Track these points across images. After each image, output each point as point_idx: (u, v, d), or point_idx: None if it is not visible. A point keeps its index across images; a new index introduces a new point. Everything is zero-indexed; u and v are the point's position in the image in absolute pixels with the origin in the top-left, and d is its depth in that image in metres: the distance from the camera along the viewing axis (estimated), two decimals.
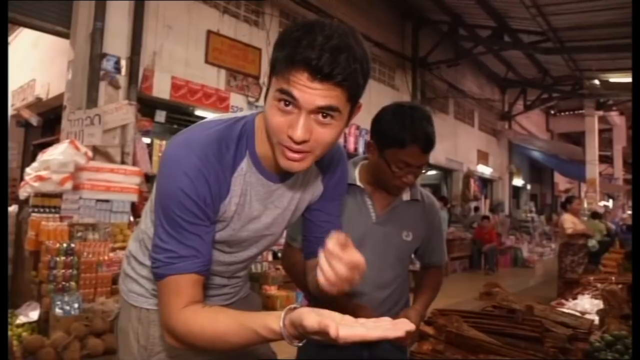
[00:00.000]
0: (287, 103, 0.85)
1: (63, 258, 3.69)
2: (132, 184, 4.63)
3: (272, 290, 5.46)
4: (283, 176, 1.04)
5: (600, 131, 15.40)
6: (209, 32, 6.23)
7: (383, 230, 1.54)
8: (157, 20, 5.67)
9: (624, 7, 7.43)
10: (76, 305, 3.47)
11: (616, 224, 12.66)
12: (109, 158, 4.99)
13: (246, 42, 6.68)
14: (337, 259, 0.81)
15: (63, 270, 3.67)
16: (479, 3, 8.39)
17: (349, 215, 1.49)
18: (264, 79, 6.81)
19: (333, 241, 0.82)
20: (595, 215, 10.56)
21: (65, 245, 3.73)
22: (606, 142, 17.73)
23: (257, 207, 1.04)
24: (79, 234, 4.02)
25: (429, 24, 9.99)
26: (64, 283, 3.64)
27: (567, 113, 17.57)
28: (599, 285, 3.33)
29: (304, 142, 0.87)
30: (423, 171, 1.50)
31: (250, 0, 6.80)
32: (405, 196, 1.59)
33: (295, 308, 0.75)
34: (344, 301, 1.33)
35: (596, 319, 2.31)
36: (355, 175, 1.57)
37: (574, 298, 3.42)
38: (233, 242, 1.08)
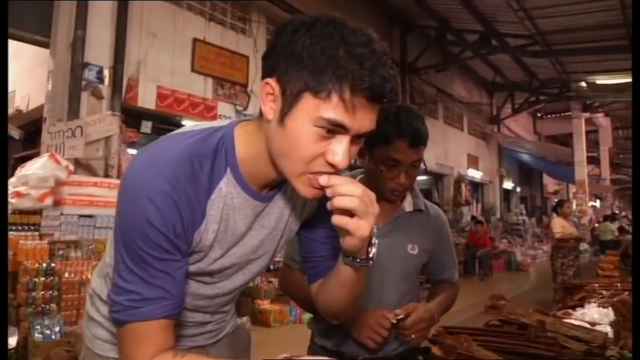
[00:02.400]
0: (333, 130, 0.74)
1: (43, 279, 3.50)
2: (116, 197, 4.45)
3: (265, 304, 5.29)
4: (270, 192, 0.91)
5: (587, 133, 15.52)
6: (195, 40, 6.11)
7: (386, 243, 1.40)
8: (141, 29, 5.53)
9: (611, 9, 7.48)
10: (57, 329, 3.29)
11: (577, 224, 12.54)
12: (92, 171, 4.82)
13: (233, 50, 6.56)
14: None
15: (43, 292, 3.48)
16: (466, 8, 8.38)
17: None
18: (252, 86, 6.69)
19: None
20: (607, 217, 10.66)
21: (45, 265, 3.54)
22: (592, 143, 17.90)
23: (241, 230, 0.90)
24: (60, 252, 3.84)
25: (416, 29, 9.96)
26: (43, 306, 3.44)
27: (553, 115, 17.76)
28: (604, 292, 3.23)
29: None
30: (419, 172, 1.38)
31: (237, 5, 6.68)
32: (408, 206, 1.48)
33: None
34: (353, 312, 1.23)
35: (608, 329, 2.20)
36: None
37: (578, 305, 3.32)
38: (215, 272, 0.93)
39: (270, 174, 0.84)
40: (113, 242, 0.85)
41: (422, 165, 1.37)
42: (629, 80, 11.13)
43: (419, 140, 1.31)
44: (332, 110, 0.71)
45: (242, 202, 0.86)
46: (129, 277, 0.77)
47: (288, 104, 0.74)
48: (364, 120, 0.74)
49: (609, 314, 2.81)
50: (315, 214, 1.02)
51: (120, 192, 0.79)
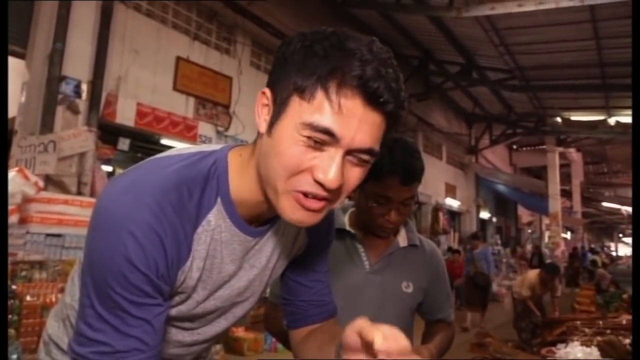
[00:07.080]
0: (320, 139, 0.63)
1: None
2: (88, 216, 4.17)
3: (240, 332, 5.09)
4: (262, 227, 0.81)
5: (559, 166, 15.94)
6: (178, 59, 6.01)
7: (379, 281, 1.34)
8: (124, 44, 5.41)
9: (588, 49, 7.74)
10: (14, 357, 3.05)
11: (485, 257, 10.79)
12: (63, 188, 4.60)
13: (217, 70, 6.49)
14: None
15: None
16: (449, 40, 8.57)
17: (339, 264, 1.29)
18: (234, 107, 6.61)
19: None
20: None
21: None
22: (564, 177, 18.38)
23: (229, 269, 0.80)
24: (23, 273, 3.61)
25: (400, 59, 10.09)
26: None
27: (528, 148, 18.20)
28: (586, 330, 3.20)
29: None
30: (412, 209, 1.32)
31: (222, 25, 6.64)
32: (402, 242, 1.41)
33: None
34: None
35: None
36: (345, 220, 1.39)
37: (557, 341, 3.27)
38: (196, 316, 0.83)
39: (263, 204, 0.74)
40: (79, 284, 0.74)
41: (414, 201, 1.31)
42: (601, 117, 11.53)
43: (411, 177, 1.24)
44: (316, 111, 0.62)
45: (229, 236, 0.76)
46: (98, 325, 0.65)
47: (277, 111, 0.66)
48: (359, 129, 0.63)
49: (592, 353, 2.76)
50: (302, 254, 0.93)
51: (92, 225, 0.68)
